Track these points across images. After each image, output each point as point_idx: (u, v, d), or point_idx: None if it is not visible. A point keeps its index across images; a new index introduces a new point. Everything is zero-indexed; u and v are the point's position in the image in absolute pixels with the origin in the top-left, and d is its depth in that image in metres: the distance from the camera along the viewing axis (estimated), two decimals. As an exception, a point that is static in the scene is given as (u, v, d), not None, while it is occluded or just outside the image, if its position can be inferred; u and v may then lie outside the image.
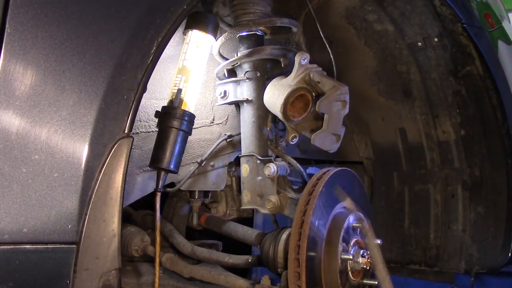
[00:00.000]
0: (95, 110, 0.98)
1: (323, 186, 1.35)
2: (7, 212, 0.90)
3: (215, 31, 1.45)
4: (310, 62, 1.47)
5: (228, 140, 1.67)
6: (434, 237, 1.97)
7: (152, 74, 1.07)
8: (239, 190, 1.65)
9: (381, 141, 2.10)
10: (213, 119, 1.68)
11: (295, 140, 1.52)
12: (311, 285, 1.27)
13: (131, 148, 1.03)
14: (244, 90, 1.56)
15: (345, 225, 1.36)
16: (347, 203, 1.34)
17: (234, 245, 1.68)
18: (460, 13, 1.65)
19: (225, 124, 1.70)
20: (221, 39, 1.50)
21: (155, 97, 1.51)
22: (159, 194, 1.32)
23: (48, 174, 0.93)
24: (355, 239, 1.40)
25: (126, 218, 1.67)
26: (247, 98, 1.55)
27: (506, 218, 1.80)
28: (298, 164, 1.55)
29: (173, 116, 1.33)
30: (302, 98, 1.45)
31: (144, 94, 1.06)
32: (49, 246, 0.93)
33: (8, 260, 0.90)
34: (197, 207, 1.71)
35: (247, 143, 1.56)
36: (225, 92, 1.60)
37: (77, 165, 0.96)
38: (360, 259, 1.35)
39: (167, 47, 1.10)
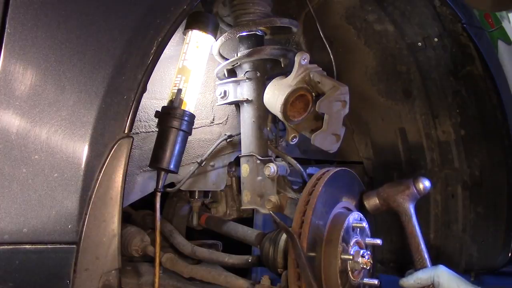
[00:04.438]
0: (95, 110, 0.98)
1: (323, 186, 1.35)
2: (7, 212, 0.90)
3: (215, 31, 1.45)
4: (310, 62, 1.47)
5: (228, 140, 1.67)
6: (434, 237, 1.97)
7: (152, 74, 1.07)
8: (239, 190, 1.65)
9: (381, 141, 2.10)
10: (213, 119, 1.68)
11: (295, 140, 1.52)
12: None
13: (131, 148, 1.03)
14: (244, 90, 1.56)
15: (345, 225, 1.36)
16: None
17: (234, 245, 1.68)
18: (460, 13, 1.66)
19: (225, 124, 1.70)
20: (221, 39, 1.50)
21: (155, 97, 1.51)
22: (159, 194, 1.32)
23: (48, 174, 0.93)
24: (355, 239, 1.40)
25: (126, 218, 1.67)
26: (247, 98, 1.55)
27: (506, 218, 1.80)
28: (298, 164, 1.55)
29: (173, 116, 1.33)
30: (302, 98, 1.45)
31: (144, 94, 1.06)
32: (49, 246, 0.93)
33: (8, 260, 0.90)
34: (197, 207, 1.71)
35: (247, 143, 1.56)
36: (225, 92, 1.60)
37: (77, 165, 0.96)
38: (360, 259, 1.35)
39: (167, 47, 1.10)
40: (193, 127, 1.40)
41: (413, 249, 1.53)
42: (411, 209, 1.55)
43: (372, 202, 1.57)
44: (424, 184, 1.55)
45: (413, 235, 1.53)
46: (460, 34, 1.69)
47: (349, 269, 1.34)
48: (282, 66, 1.57)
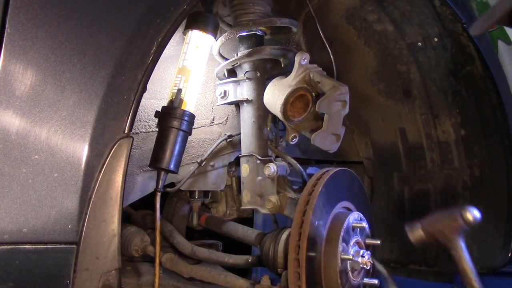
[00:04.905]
0: (95, 110, 0.98)
1: (323, 186, 1.35)
2: (7, 212, 0.90)
3: (215, 31, 1.45)
4: (310, 62, 1.47)
5: (228, 140, 1.67)
6: (434, 237, 1.96)
7: (152, 74, 1.07)
8: (239, 190, 1.64)
9: (381, 141, 2.10)
10: (213, 119, 1.68)
11: (295, 140, 1.52)
12: (311, 285, 1.27)
13: (131, 148, 1.03)
14: (244, 90, 1.56)
15: (345, 225, 1.36)
16: None
17: (234, 245, 1.68)
18: (460, 13, 1.66)
19: (225, 124, 1.70)
20: (221, 39, 1.50)
21: (155, 97, 1.51)
22: (159, 194, 1.33)
23: (48, 174, 0.93)
24: (355, 239, 1.40)
25: (126, 218, 1.67)
26: (247, 98, 1.55)
27: (506, 218, 1.80)
28: (298, 164, 1.55)
29: (173, 116, 1.33)
30: (302, 98, 1.45)
31: (144, 94, 1.06)
32: (49, 246, 0.93)
33: (8, 260, 0.90)
34: (197, 207, 1.71)
35: (247, 143, 1.56)
36: (225, 92, 1.60)
37: (77, 165, 0.96)
38: (360, 259, 1.35)
39: (167, 47, 1.10)
40: (193, 127, 1.40)
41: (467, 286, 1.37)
42: (461, 242, 1.38)
43: (417, 234, 1.44)
44: (474, 214, 1.36)
45: (466, 273, 1.37)
46: (460, 34, 1.69)
47: (349, 269, 1.34)
48: (282, 66, 1.57)
